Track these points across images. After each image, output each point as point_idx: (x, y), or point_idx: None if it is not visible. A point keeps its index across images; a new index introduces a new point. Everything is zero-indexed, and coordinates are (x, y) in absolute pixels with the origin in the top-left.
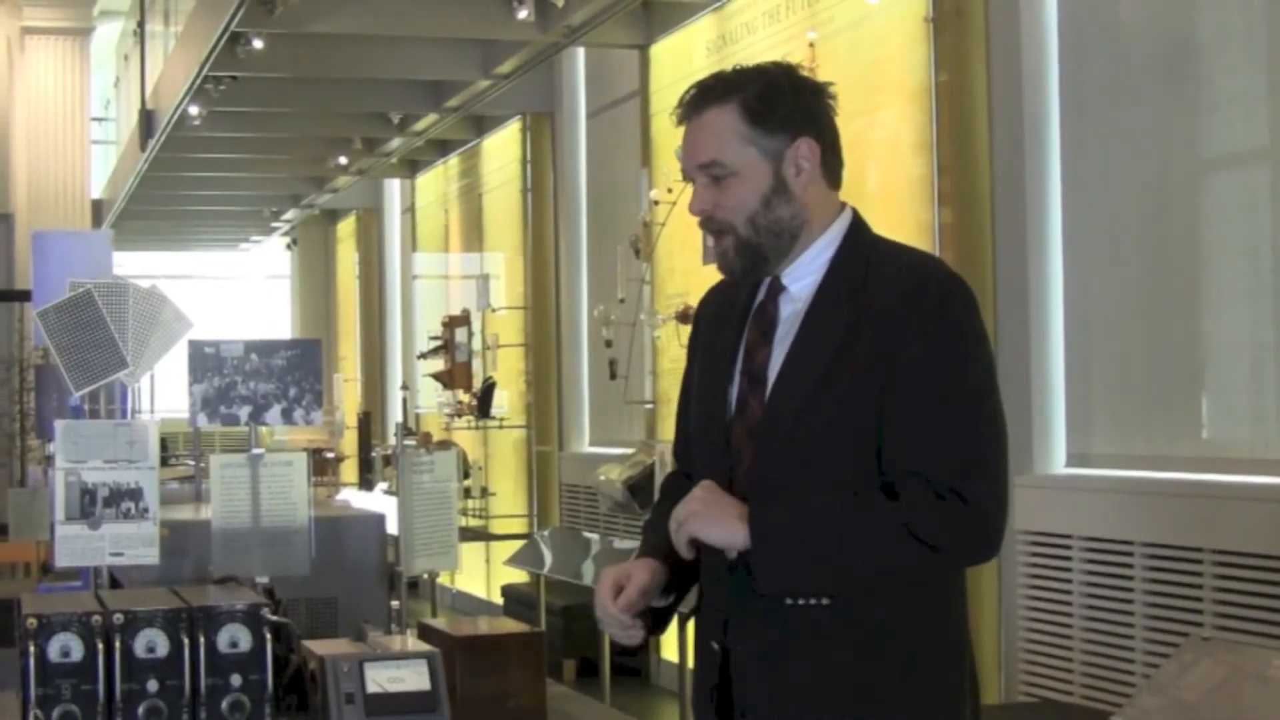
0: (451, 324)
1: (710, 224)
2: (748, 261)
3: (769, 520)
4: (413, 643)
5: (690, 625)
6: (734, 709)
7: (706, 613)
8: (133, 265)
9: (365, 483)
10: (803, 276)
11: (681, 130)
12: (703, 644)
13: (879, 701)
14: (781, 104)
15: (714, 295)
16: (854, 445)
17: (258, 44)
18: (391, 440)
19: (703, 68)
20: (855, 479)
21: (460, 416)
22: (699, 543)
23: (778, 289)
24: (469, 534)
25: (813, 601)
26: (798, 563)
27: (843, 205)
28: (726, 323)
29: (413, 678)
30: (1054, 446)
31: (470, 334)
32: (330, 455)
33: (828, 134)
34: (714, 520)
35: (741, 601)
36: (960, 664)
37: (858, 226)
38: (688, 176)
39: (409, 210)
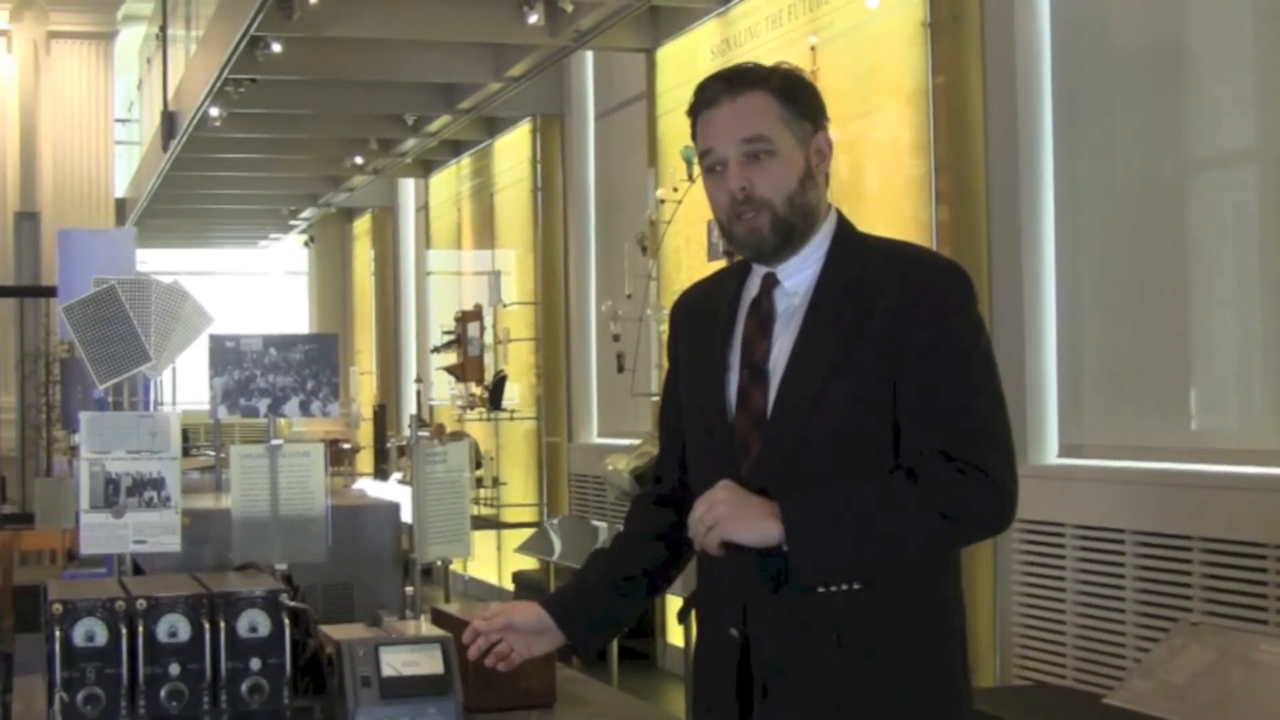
0: (464, 319)
1: (749, 202)
2: (780, 239)
3: (803, 514)
4: (426, 628)
5: (694, 612)
6: (754, 694)
7: (718, 600)
8: (155, 262)
9: (380, 473)
10: (798, 272)
11: (689, 124)
12: (713, 632)
13: (892, 683)
14: (805, 95)
15: (689, 298)
16: (864, 434)
17: (276, 48)
18: (406, 431)
19: (707, 71)
20: (865, 466)
21: (472, 408)
22: (729, 544)
23: (772, 284)
24: (481, 522)
25: (844, 587)
26: (837, 553)
27: (829, 205)
28: (711, 321)
29: (427, 661)
30: (1047, 437)
31: (482, 329)
32: (346, 446)
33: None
34: (744, 522)
35: (765, 590)
36: (959, 645)
37: (844, 224)
38: (715, 159)
39: (423, 209)
